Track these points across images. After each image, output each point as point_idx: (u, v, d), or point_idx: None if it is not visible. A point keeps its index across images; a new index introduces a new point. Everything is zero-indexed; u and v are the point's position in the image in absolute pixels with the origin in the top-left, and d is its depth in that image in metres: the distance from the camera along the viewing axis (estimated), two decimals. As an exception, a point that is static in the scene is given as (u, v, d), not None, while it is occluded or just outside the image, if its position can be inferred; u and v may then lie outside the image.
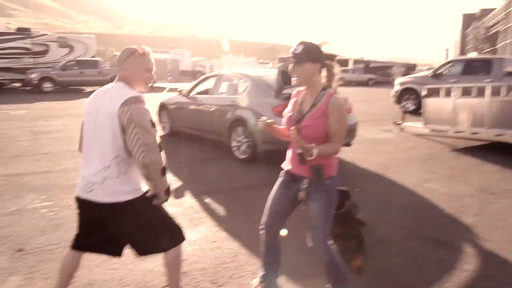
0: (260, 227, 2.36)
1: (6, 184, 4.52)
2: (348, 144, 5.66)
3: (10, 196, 4.10)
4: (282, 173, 2.29)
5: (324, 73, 2.10)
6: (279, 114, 5.24)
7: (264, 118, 2.15)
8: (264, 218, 2.33)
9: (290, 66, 2.06)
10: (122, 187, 1.85)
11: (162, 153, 1.86)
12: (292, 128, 1.97)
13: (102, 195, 1.84)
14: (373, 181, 4.93)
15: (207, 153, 6.35)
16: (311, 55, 2.01)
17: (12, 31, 21.18)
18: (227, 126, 5.91)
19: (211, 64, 41.71)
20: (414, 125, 8.37)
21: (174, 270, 2.03)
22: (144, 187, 1.95)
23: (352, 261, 2.73)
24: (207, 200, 4.12)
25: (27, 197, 4.08)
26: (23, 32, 20.45)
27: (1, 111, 11.08)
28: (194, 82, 7.44)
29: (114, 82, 1.94)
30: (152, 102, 7.55)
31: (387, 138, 7.78)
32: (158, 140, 1.83)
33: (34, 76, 17.84)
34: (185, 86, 7.63)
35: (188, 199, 4.13)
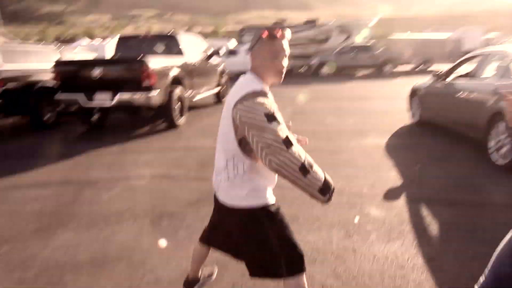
0: None
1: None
2: None
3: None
4: None
5: None
6: None
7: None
8: None
9: None
10: (238, 191, 1.61)
11: (295, 148, 1.45)
12: None
13: (223, 196, 1.68)
14: None
15: (452, 151, 5.17)
16: None
17: (301, 24, 24.34)
18: (486, 119, 4.55)
19: (505, 41, 34.18)
20: None
21: None
22: (271, 197, 1.67)
23: None
24: (424, 211, 3.30)
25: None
26: (310, 23, 23.14)
27: (288, 92, 13.05)
28: (453, 64, 6.17)
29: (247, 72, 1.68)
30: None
31: None
32: (282, 134, 1.45)
33: (314, 62, 20.12)
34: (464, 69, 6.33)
35: (400, 204, 3.45)
